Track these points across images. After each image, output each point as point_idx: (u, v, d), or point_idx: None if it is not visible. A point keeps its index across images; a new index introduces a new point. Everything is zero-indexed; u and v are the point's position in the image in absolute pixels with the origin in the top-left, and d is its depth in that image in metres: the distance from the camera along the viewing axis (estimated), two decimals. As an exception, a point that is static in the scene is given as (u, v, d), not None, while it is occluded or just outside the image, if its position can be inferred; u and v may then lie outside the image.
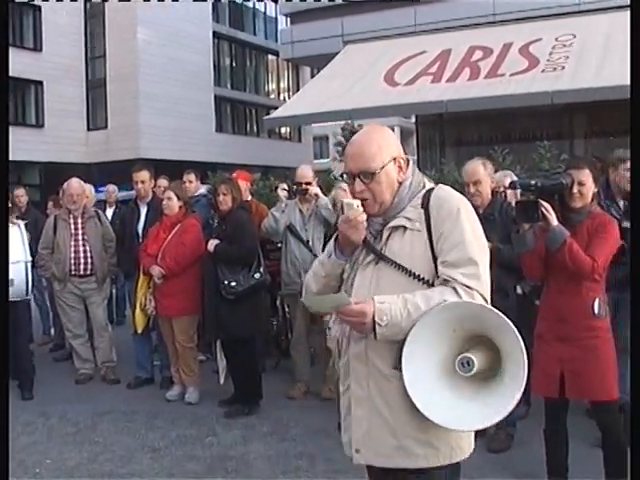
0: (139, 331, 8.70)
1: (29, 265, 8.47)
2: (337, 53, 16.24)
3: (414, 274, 3.10)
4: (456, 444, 3.17)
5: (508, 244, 5.81)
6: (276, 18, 48.85)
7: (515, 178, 6.22)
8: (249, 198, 9.54)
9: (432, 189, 3.25)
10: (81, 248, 9.33)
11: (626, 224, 6.87)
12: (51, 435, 7.46)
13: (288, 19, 18.79)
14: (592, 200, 5.40)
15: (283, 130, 52.64)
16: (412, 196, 3.23)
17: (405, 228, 3.17)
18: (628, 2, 12.50)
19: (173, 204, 8.36)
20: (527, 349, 2.90)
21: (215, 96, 46.45)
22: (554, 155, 9.76)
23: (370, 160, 3.18)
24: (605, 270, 5.22)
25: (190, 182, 9.90)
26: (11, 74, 35.00)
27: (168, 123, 39.92)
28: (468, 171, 6.42)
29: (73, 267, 9.32)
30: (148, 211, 9.26)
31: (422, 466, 3.13)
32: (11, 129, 30.89)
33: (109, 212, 12.44)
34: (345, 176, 3.31)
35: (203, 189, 10.04)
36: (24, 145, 33.90)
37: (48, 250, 9.43)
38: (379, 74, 14.33)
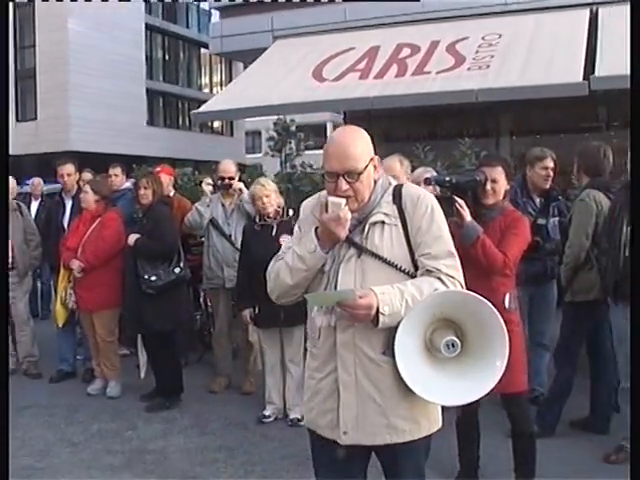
0: (60, 325, 8.66)
1: None
2: (267, 48, 16.20)
3: (396, 266, 3.34)
4: (433, 418, 3.50)
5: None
6: (210, 12, 48.72)
7: (433, 174, 6.29)
8: (172, 192, 9.51)
9: (399, 186, 3.53)
10: None
11: (541, 221, 7.06)
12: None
13: (218, 13, 18.69)
14: (504, 197, 5.53)
15: (216, 124, 52.58)
16: (383, 192, 3.48)
17: (383, 223, 3.40)
18: (554, 4, 12.75)
19: (88, 198, 8.36)
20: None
21: (147, 89, 46.22)
22: (475, 153, 9.89)
23: (356, 161, 3.35)
24: (516, 265, 5.34)
25: (116, 176, 9.85)
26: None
27: (99, 115, 39.61)
28: (385, 167, 6.49)
29: None
30: (73, 205, 9.21)
31: (407, 439, 3.41)
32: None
33: (34, 205, 12.33)
34: (327, 175, 3.40)
35: (129, 183, 9.98)
36: (-50, 135, 33.28)
37: None
38: (307, 70, 14.28)
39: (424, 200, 3.44)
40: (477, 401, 5.37)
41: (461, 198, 5.22)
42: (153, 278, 7.64)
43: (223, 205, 8.52)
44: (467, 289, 5.22)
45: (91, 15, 39.73)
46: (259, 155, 56.35)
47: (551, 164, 7.18)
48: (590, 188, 6.50)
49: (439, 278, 3.31)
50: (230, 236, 8.33)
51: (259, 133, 57.79)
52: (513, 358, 5.19)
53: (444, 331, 3.28)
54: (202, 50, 51.37)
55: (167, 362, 7.97)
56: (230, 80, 49.05)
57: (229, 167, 8.64)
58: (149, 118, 47.40)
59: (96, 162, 10.70)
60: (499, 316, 3.22)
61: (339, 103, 13.69)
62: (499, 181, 5.44)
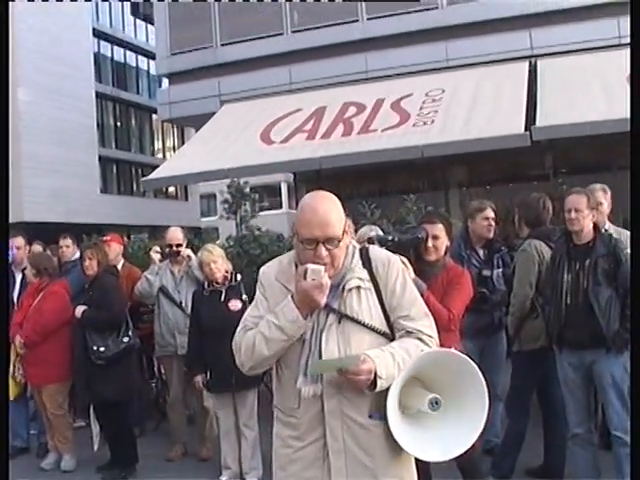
0: (11, 399, 8.53)
1: None
2: (215, 113, 16.33)
3: (377, 330, 3.40)
4: (412, 471, 3.56)
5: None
6: (160, 78, 48.98)
7: (380, 232, 6.35)
8: (121, 262, 9.48)
9: (364, 249, 3.57)
10: None
11: (486, 272, 7.13)
12: None
13: (167, 80, 18.85)
14: (445, 253, 5.60)
15: (170, 189, 52.53)
16: (352, 256, 3.48)
17: (359, 287, 3.43)
18: (494, 58, 13.01)
19: (28, 272, 8.38)
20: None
21: (100, 156, 46.12)
22: (420, 208, 10.00)
23: (336, 228, 3.34)
24: (460, 320, 5.39)
25: (67, 247, 9.79)
26: None
27: (51, 184, 39.44)
28: None
29: None
30: (23, 278, 9.08)
31: None
32: None
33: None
34: (305, 242, 3.33)
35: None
36: None
37: None
38: (255, 132, 14.42)
39: (395, 264, 3.53)
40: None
41: (404, 256, 5.27)
42: (102, 349, 7.58)
43: (172, 272, 8.50)
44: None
45: (41, 85, 39.78)
46: (214, 218, 56.34)
47: (491, 214, 7.28)
48: (531, 238, 6.60)
49: (420, 339, 3.41)
50: (181, 303, 8.31)
51: (214, 196, 57.83)
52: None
53: (410, 388, 3.37)
54: (154, 116, 51.53)
55: (120, 432, 7.88)
56: (182, 145, 49.27)
57: (176, 235, 8.65)
58: (103, 186, 47.29)
59: (50, 232, 10.62)
60: (480, 373, 3.37)
61: (287, 165, 13.84)
62: (440, 237, 5.53)
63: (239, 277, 7.56)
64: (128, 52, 50.64)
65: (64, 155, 41.02)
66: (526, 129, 11.31)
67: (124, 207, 45.38)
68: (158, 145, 55.58)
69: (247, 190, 51.41)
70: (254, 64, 16.43)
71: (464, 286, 5.48)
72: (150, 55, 43.81)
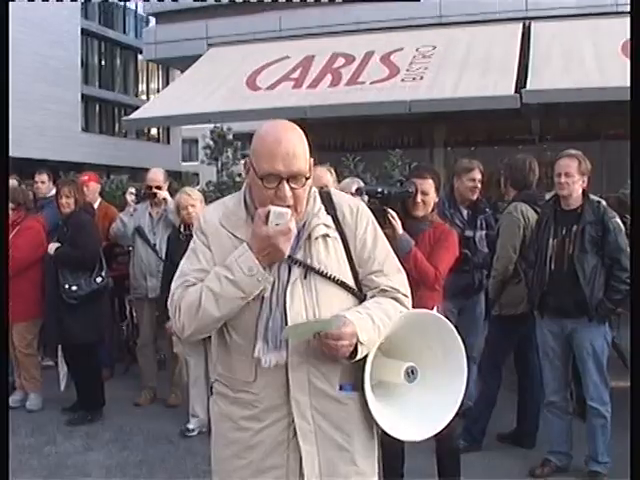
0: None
1: None
2: (201, 55, 16.09)
3: (347, 286, 2.96)
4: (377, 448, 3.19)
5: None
6: (147, 18, 48.44)
7: (362, 185, 6.22)
8: (98, 201, 9.34)
9: (325, 193, 3.11)
10: None
11: (468, 233, 7.04)
12: None
13: (154, 19, 18.52)
14: (433, 210, 5.47)
15: (152, 131, 52.19)
16: (313, 200, 3.01)
17: (327, 236, 2.96)
18: (488, 18, 12.85)
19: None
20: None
21: (83, 94, 45.64)
22: (406, 164, 9.89)
23: (304, 162, 2.83)
24: (444, 279, 5.29)
25: (42, 182, 9.69)
26: None
27: (34, 121, 39.02)
28: (316, 177, 6.38)
29: None
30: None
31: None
32: None
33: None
34: (265, 179, 2.80)
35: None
36: None
37: None
38: (241, 78, 14.21)
39: (364, 212, 3.08)
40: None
41: (393, 210, 5.15)
42: (74, 288, 7.45)
43: (150, 214, 8.36)
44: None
45: (26, 19, 39.15)
46: (196, 163, 55.93)
47: (478, 175, 7.15)
48: (517, 201, 6.48)
49: (396, 298, 3.01)
50: (155, 245, 8.18)
51: (196, 141, 57.34)
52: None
53: (381, 359, 2.98)
54: (139, 56, 50.97)
55: (88, 373, 7.78)
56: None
57: (157, 176, 8.50)
58: (84, 124, 46.86)
59: (29, 168, 10.46)
60: (460, 339, 3.08)
61: (272, 112, 13.54)
62: (429, 193, 5.40)
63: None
64: (116, -11, 50.04)
65: (47, 92, 40.54)
66: (516, 91, 11.17)
67: (105, 147, 45.03)
68: (142, 87, 55.09)
69: (230, 137, 51.09)
70: (244, 8, 16.12)
71: (451, 245, 5.37)
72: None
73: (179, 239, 7.30)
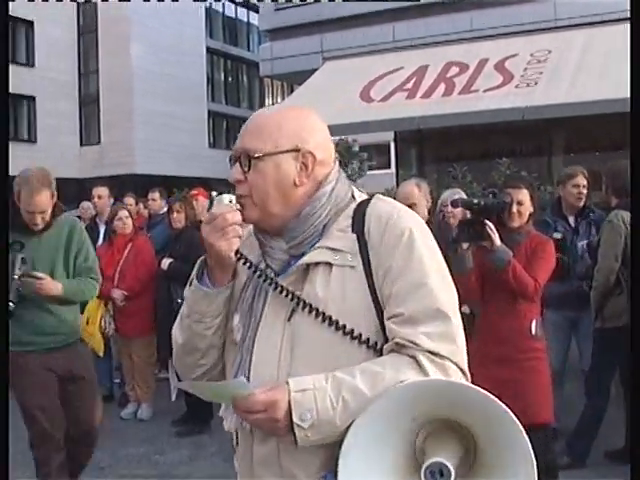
0: (100, 354, 8.57)
1: None
2: (317, 69, 16.25)
3: (351, 332, 2.07)
4: None
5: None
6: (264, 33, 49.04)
7: (462, 196, 6.16)
8: (208, 216, 9.48)
9: (365, 202, 2.25)
10: None
11: (572, 241, 6.82)
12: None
13: (268, 35, 18.83)
14: (528, 220, 5.38)
15: (279, 145, 52.64)
16: (335, 212, 2.22)
17: (330, 265, 2.14)
18: (601, 19, 12.55)
19: (129, 222, 8.35)
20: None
21: (209, 111, 46.55)
22: (513, 173, 9.74)
23: (258, 138, 2.20)
24: (541, 291, 5.19)
25: (154, 200, 9.88)
26: (3, 90, 35.22)
27: (162, 138, 40.02)
28: (402, 194, 6.34)
29: None
30: (106, 230, 9.09)
31: None
32: None
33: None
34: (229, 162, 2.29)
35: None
36: (17, 160, 33.73)
37: None
38: (356, 90, 14.31)
39: (398, 222, 2.14)
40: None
41: (489, 221, 5.08)
42: (186, 302, 7.59)
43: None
44: (494, 316, 5.10)
45: (153, 40, 40.27)
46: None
47: (583, 182, 6.94)
48: (619, 209, 6.28)
49: (413, 358, 2.01)
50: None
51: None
52: (542, 387, 5.10)
53: (441, 441, 2.00)
54: (263, 72, 51.73)
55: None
56: (291, 101, 49.30)
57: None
58: (212, 140, 47.78)
59: (160, 185, 10.73)
60: (516, 420, 1.89)
61: (386, 123, 13.64)
62: (524, 203, 5.31)
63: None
64: (239, 8, 50.77)
65: (175, 110, 41.50)
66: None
67: (232, 162, 45.81)
68: (268, 101, 55.79)
69: (356, 149, 51.25)
70: (357, 21, 16.24)
71: (548, 255, 5.26)
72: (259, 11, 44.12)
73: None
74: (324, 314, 2.08)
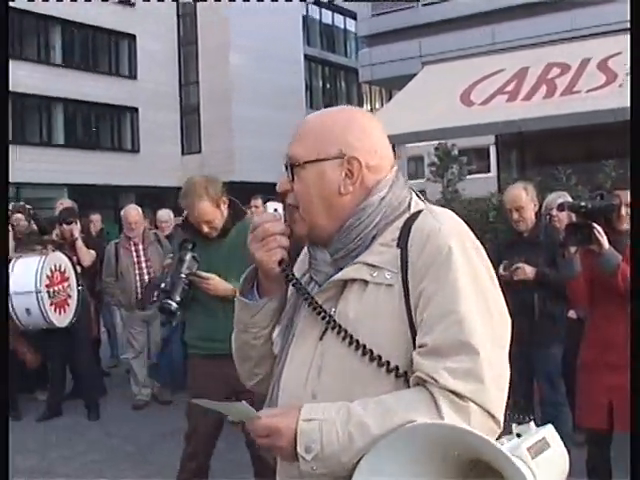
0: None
1: (41, 296, 8.25)
2: (416, 74, 16.20)
3: (376, 357, 1.91)
4: None
5: (553, 268, 5.70)
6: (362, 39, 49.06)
7: (568, 199, 6.05)
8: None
9: (415, 214, 2.03)
10: (146, 277, 9.10)
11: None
12: (111, 454, 7.56)
13: (366, 41, 18.88)
14: (637, 222, 5.25)
15: (377, 150, 52.53)
16: (386, 224, 2.03)
17: (366, 282, 1.97)
18: None
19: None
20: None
21: (308, 118, 46.86)
22: (619, 174, 9.52)
23: (299, 144, 2.09)
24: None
25: (256, 207, 9.96)
26: (108, 101, 36.15)
27: (261, 145, 40.32)
28: (509, 197, 6.28)
29: (140, 295, 9.10)
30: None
31: None
32: (108, 154, 31.66)
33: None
34: None
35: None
36: (120, 170, 34.87)
37: (112, 278, 9.31)
38: (456, 94, 14.22)
39: (439, 237, 1.92)
40: (609, 443, 5.13)
41: (598, 224, 4.97)
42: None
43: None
44: (604, 320, 4.98)
45: (251, 49, 40.69)
46: (422, 181, 56.02)
47: None
48: None
49: (432, 396, 1.82)
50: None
51: (421, 158, 57.47)
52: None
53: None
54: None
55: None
56: (389, 106, 49.27)
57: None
58: (311, 147, 48.17)
59: (264, 191, 10.83)
60: (516, 462, 1.70)
61: (486, 127, 13.52)
62: (634, 205, 5.18)
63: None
64: (336, 14, 50.93)
65: (274, 117, 41.82)
66: None
67: (332, 168, 46.00)
68: (366, 107, 55.79)
69: (455, 153, 50.86)
70: (456, 24, 16.14)
71: (659, 257, 5.12)
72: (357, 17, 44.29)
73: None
74: (351, 337, 1.93)
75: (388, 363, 1.89)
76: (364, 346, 1.91)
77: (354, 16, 47.54)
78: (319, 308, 2.00)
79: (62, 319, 8.49)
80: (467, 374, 1.80)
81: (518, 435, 1.96)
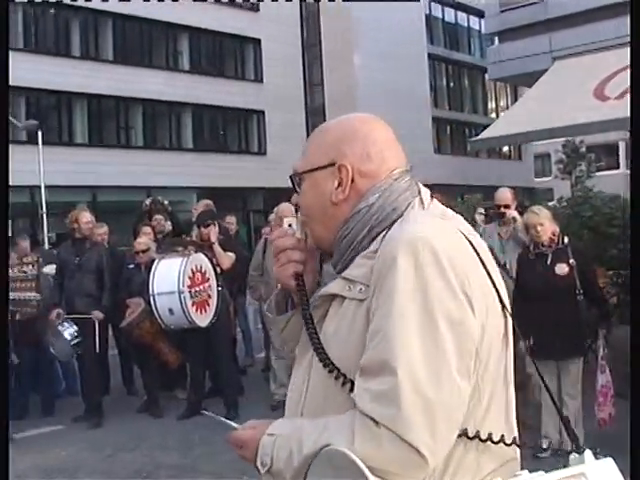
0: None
1: (184, 296, 8.45)
2: (545, 70, 15.90)
3: (341, 376, 1.84)
4: None
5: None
6: (492, 37, 48.58)
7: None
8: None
9: (398, 221, 1.94)
10: None
11: None
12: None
13: (497, 37, 18.64)
14: None
15: (504, 149, 52.10)
16: (377, 232, 1.93)
17: (343, 297, 1.89)
18: None
19: None
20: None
21: (433, 117, 46.64)
22: None
23: (302, 156, 2.07)
24: None
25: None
26: (235, 105, 36.72)
27: (387, 146, 40.44)
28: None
29: None
30: None
31: None
32: (236, 157, 32.39)
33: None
34: None
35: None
36: (247, 172, 35.36)
37: (258, 272, 9.54)
38: (589, 89, 13.87)
39: (392, 245, 1.80)
40: None
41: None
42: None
43: (499, 234, 8.40)
44: None
45: (375, 49, 40.79)
46: (549, 178, 55.15)
47: None
48: None
49: (354, 418, 1.74)
50: (505, 265, 8.19)
51: (548, 156, 56.58)
52: None
53: None
54: (486, 75, 51.29)
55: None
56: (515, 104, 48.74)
57: (504, 195, 8.57)
58: (436, 146, 47.81)
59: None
60: None
61: (620, 122, 13.17)
62: None
63: (566, 240, 7.28)
64: (459, 12, 50.61)
65: (398, 117, 41.79)
66: None
67: (457, 167, 45.64)
68: (491, 105, 55.24)
69: (583, 149, 49.91)
70: (586, 17, 15.76)
71: None
72: (481, 14, 43.94)
73: (528, 258, 7.26)
74: (322, 354, 1.87)
75: (352, 382, 1.79)
76: (331, 363, 1.85)
77: (477, 13, 47.25)
78: (309, 324, 1.94)
79: (203, 319, 8.69)
80: (382, 397, 1.69)
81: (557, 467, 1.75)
